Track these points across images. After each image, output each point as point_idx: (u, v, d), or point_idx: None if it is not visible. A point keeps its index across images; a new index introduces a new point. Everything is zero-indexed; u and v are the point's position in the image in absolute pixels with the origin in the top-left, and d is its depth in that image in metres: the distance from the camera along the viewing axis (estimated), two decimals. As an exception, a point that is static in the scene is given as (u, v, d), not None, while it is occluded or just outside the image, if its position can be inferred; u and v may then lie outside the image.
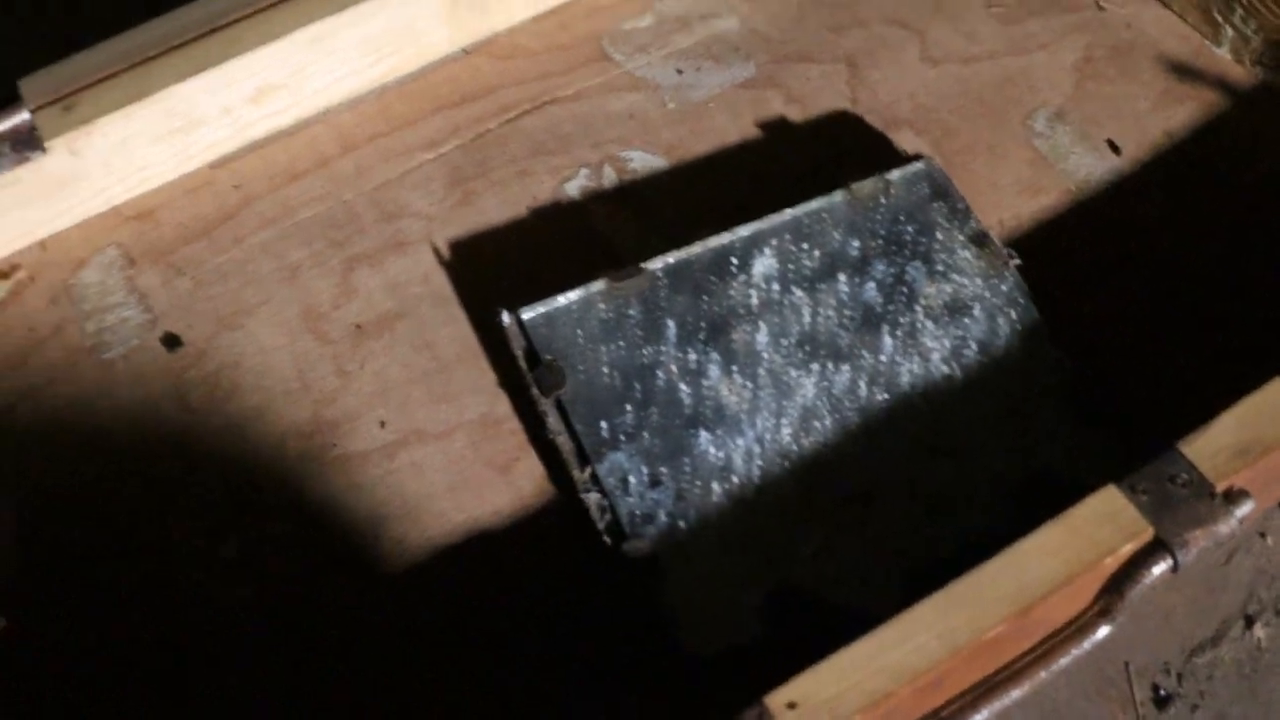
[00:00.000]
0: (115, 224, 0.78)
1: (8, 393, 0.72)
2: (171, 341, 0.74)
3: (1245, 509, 0.59)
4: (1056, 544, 0.58)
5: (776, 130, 0.79)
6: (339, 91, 0.82)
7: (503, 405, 0.70)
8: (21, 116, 0.76)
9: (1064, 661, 0.59)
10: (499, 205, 0.77)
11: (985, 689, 0.59)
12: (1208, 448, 0.60)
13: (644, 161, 0.78)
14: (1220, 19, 0.80)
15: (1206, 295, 0.72)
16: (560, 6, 0.85)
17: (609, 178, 0.78)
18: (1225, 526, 0.59)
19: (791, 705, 0.55)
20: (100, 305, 0.76)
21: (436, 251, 0.75)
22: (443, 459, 0.68)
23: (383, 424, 0.70)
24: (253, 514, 0.67)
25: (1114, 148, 0.77)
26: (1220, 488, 0.59)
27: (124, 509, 0.67)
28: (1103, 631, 0.59)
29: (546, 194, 0.77)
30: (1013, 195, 0.76)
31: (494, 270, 0.74)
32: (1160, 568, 0.58)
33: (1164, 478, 0.60)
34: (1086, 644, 0.59)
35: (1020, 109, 0.79)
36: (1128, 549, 0.58)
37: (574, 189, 0.78)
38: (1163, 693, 0.62)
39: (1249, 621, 0.64)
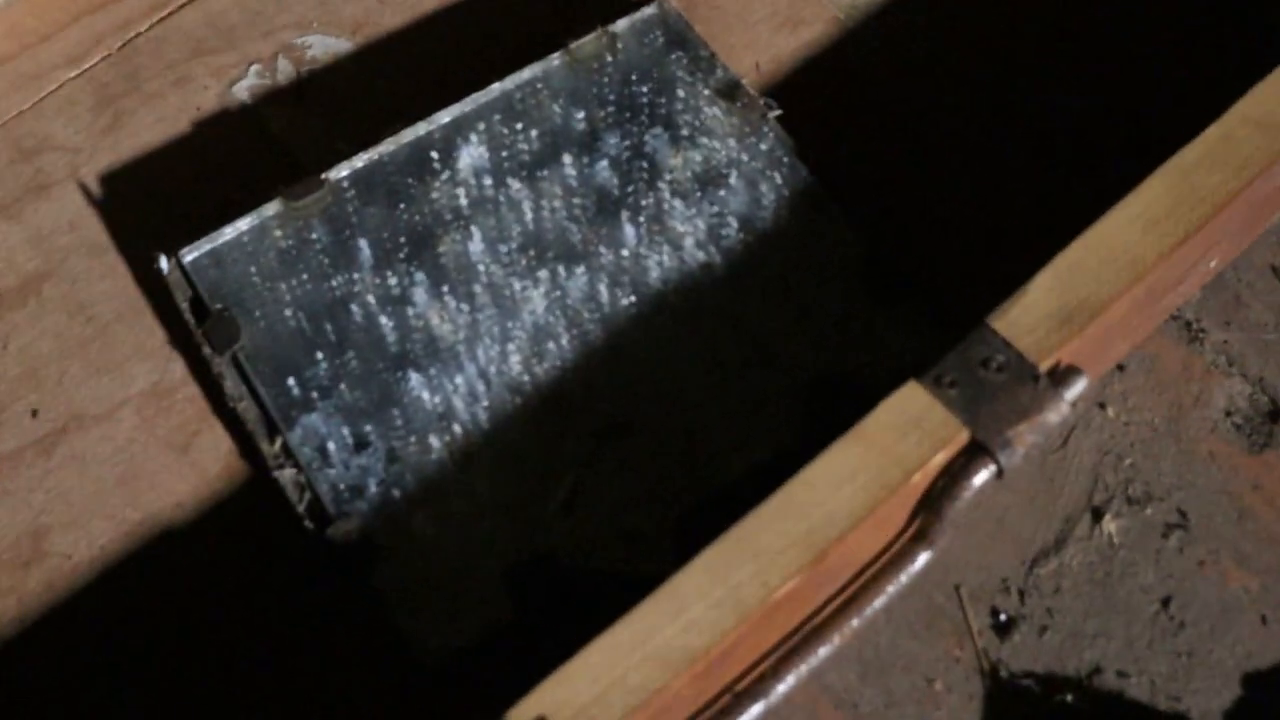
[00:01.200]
0: None
1: None
2: None
3: (1077, 388, 0.48)
4: (851, 464, 0.47)
5: (480, -18, 0.65)
6: None
7: (177, 369, 0.57)
8: None
9: (879, 602, 0.48)
10: (156, 124, 0.63)
11: (787, 652, 0.48)
12: (1024, 320, 0.49)
13: (325, 47, 0.64)
14: None
15: (1001, 133, 0.60)
16: None
17: (284, 72, 0.64)
18: (1055, 414, 0.48)
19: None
20: None
21: (85, 190, 0.61)
22: (109, 446, 0.55)
23: (34, 413, 0.56)
24: None
25: None
26: (1044, 367, 0.48)
27: None
28: (922, 559, 0.49)
29: (211, 102, 0.63)
30: (769, 31, 0.63)
31: (156, 205, 0.60)
32: (982, 476, 0.47)
33: (975, 362, 0.48)
34: (904, 577, 0.48)
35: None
36: (939, 459, 0.47)
37: (243, 91, 0.64)
38: (1003, 616, 0.52)
39: (1096, 514, 0.53)
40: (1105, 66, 0.63)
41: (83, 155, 0.63)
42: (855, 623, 0.48)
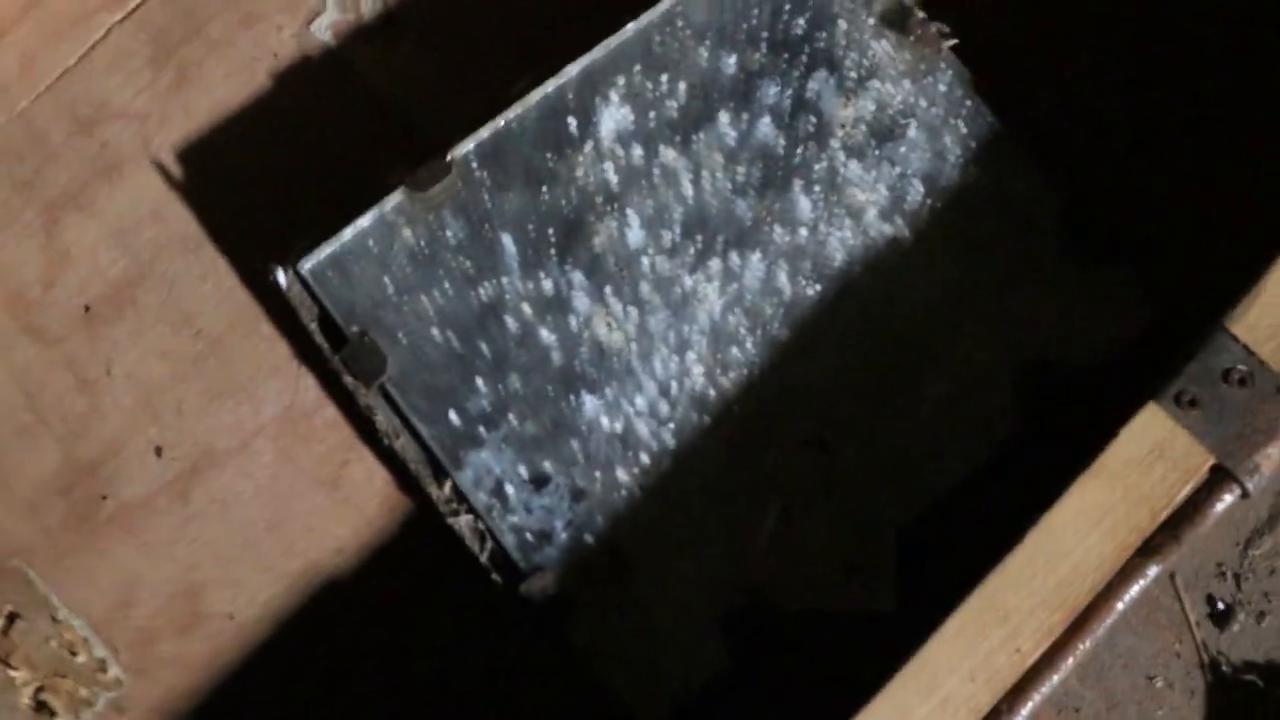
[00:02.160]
0: None
1: None
2: None
3: (1328, 394, 0.45)
4: (1097, 507, 0.44)
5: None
6: None
7: (309, 388, 0.53)
8: None
9: (1110, 621, 0.46)
10: (227, 78, 0.56)
11: (1022, 682, 0.46)
12: (1264, 322, 0.45)
13: None
14: None
15: (1200, 63, 0.54)
16: None
17: (369, 2, 0.56)
18: (1312, 431, 0.44)
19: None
20: None
21: (162, 169, 0.55)
22: (249, 485, 0.52)
23: (159, 451, 0.52)
24: (38, 633, 0.50)
25: None
26: (1291, 365, 0.44)
27: None
28: (1153, 573, 0.46)
29: (288, 46, 0.56)
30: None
31: (250, 180, 0.54)
32: (1227, 500, 0.44)
33: (1217, 375, 0.45)
34: (1135, 592, 0.46)
35: None
36: (1186, 492, 0.44)
37: (323, 30, 0.56)
38: (1221, 605, 0.50)
39: None
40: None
41: (151, 123, 0.56)
42: (1087, 644, 0.46)
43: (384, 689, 0.50)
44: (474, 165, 0.51)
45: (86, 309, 0.55)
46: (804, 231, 0.51)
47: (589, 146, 0.52)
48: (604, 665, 0.48)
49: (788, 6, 0.53)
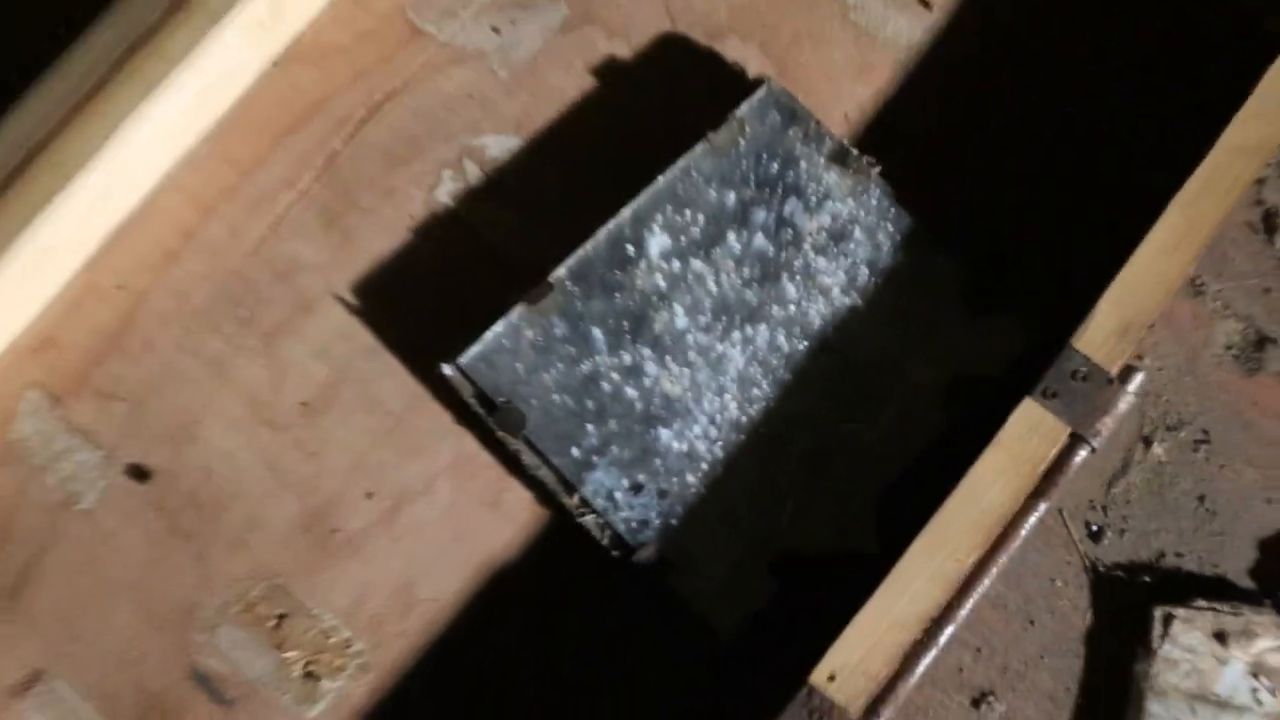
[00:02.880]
0: (18, 363, 0.82)
1: (11, 573, 0.78)
2: (138, 473, 0.80)
3: (1137, 381, 0.73)
4: (998, 467, 0.72)
5: (611, 73, 0.84)
6: (170, 154, 0.84)
7: (468, 442, 0.79)
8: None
9: (1018, 543, 0.73)
10: (380, 234, 0.83)
11: (965, 584, 0.73)
12: (1095, 337, 0.73)
13: (499, 145, 0.84)
14: None
15: (1049, 148, 0.82)
16: (348, -17, 0.87)
17: (473, 173, 0.83)
18: (1124, 404, 0.72)
19: (831, 678, 0.69)
20: (50, 454, 0.81)
21: (343, 302, 0.81)
22: (435, 512, 0.78)
23: (369, 495, 0.79)
24: (301, 627, 0.76)
25: (924, 2, 0.85)
26: (1114, 371, 0.73)
27: (157, 653, 0.76)
28: (1043, 509, 0.74)
29: (420, 208, 0.83)
30: (848, 82, 0.83)
31: (405, 304, 0.81)
32: (1081, 455, 0.72)
33: (1067, 375, 0.73)
34: (1033, 520, 0.74)
35: (828, -19, 0.86)
36: (1054, 453, 0.72)
37: (444, 195, 0.83)
38: (1094, 527, 0.78)
39: (1146, 442, 0.79)
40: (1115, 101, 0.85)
41: (329, 270, 0.83)
42: (1005, 558, 0.74)
43: (539, 642, 0.77)
44: (567, 283, 0.78)
45: (304, 405, 0.81)
46: (792, 307, 0.79)
47: (643, 263, 0.79)
48: (694, 601, 0.75)
49: (765, 155, 0.80)
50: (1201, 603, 0.76)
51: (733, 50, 0.85)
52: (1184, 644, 0.75)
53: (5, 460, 0.80)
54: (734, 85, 0.82)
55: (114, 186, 0.82)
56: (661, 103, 0.84)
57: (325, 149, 0.85)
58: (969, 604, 0.73)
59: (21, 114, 0.80)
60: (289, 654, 0.77)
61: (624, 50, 0.85)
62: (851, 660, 0.70)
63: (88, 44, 0.82)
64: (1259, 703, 0.74)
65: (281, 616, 0.78)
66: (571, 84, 0.85)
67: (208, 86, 0.83)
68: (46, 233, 0.79)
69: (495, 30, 0.86)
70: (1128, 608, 0.76)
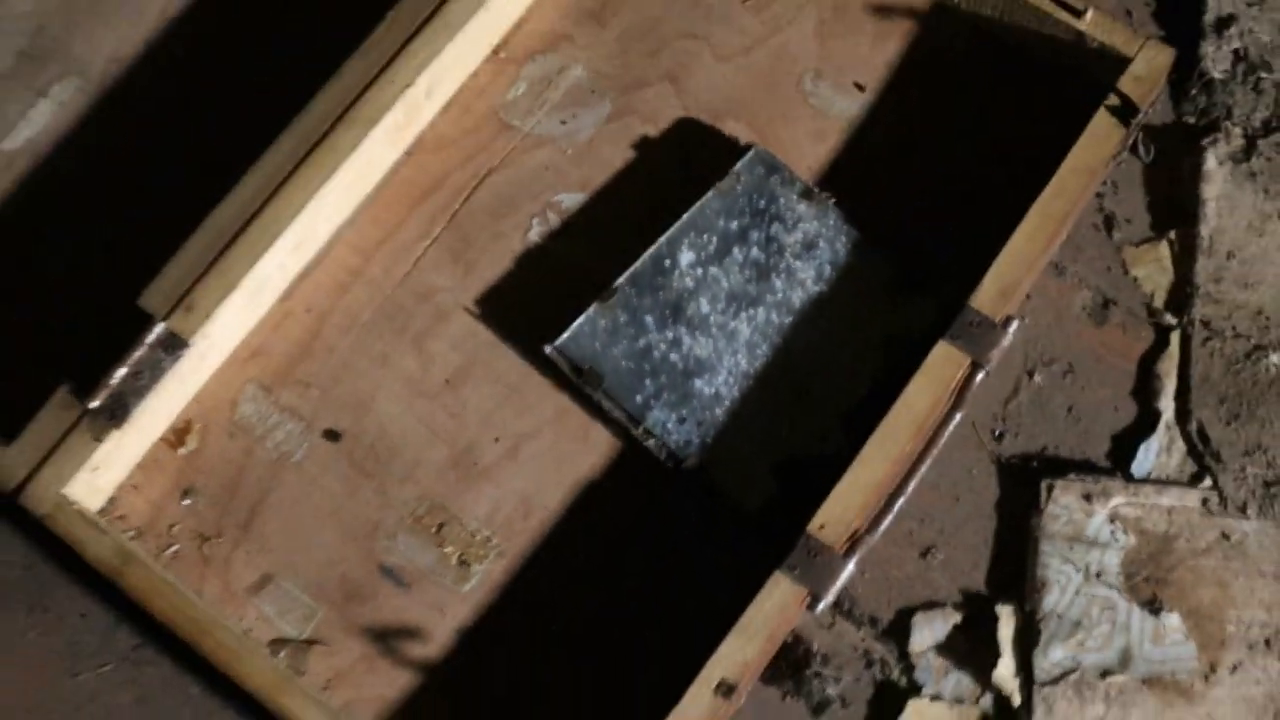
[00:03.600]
0: (240, 367, 1.20)
1: (245, 510, 1.16)
2: (332, 435, 1.18)
3: (1014, 326, 1.11)
4: (925, 388, 1.10)
5: (646, 147, 1.24)
6: (340, 217, 1.23)
7: (565, 400, 1.17)
8: (159, 329, 1.15)
9: (944, 440, 1.11)
10: (493, 264, 1.22)
11: (909, 475, 1.11)
12: (985, 298, 1.12)
13: (571, 200, 1.23)
14: (894, -32, 1.27)
15: (950, 179, 1.22)
16: (455, 96, 1.27)
17: (554, 220, 1.23)
18: (1006, 341, 1.11)
19: (821, 527, 1.07)
20: (267, 427, 1.19)
21: (469, 311, 1.20)
22: (544, 447, 1.16)
23: (497, 439, 1.17)
24: (455, 531, 1.13)
25: (859, 87, 1.25)
26: (999, 319, 1.11)
27: (353, 557, 1.13)
28: (958, 418, 1.11)
29: (519, 245, 1.22)
30: (810, 146, 1.24)
31: (515, 311, 1.20)
32: (979, 377, 1.11)
33: (966, 324, 1.11)
34: (952, 426, 1.12)
35: (792, 77, 1.26)
36: (961, 374, 1.11)
37: (536, 235, 1.23)
38: (996, 432, 1.16)
39: (1030, 374, 1.18)
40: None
41: (459, 291, 1.22)
42: (935, 452, 1.12)
43: (617, 531, 1.14)
44: (626, 287, 1.18)
45: (447, 382, 1.19)
46: (780, 295, 1.18)
47: (676, 271, 1.18)
48: (726, 490, 1.13)
49: (755, 195, 1.20)
50: (1073, 476, 1.14)
51: (730, 127, 1.25)
52: (1062, 504, 1.13)
53: (234, 433, 1.18)
54: (731, 150, 1.22)
55: (304, 241, 1.21)
56: (681, 164, 1.24)
57: (448, 210, 1.24)
58: (912, 485, 1.09)
59: (242, 189, 1.19)
60: (447, 549, 1.15)
61: (653, 131, 1.26)
62: (834, 515, 1.07)
63: (281, 144, 1.21)
64: (1115, 540, 1.12)
65: (440, 525, 1.15)
66: (618, 155, 1.25)
67: (363, 171, 1.23)
68: (259, 273, 1.18)
69: (562, 122, 1.26)
70: (1023, 484, 1.14)
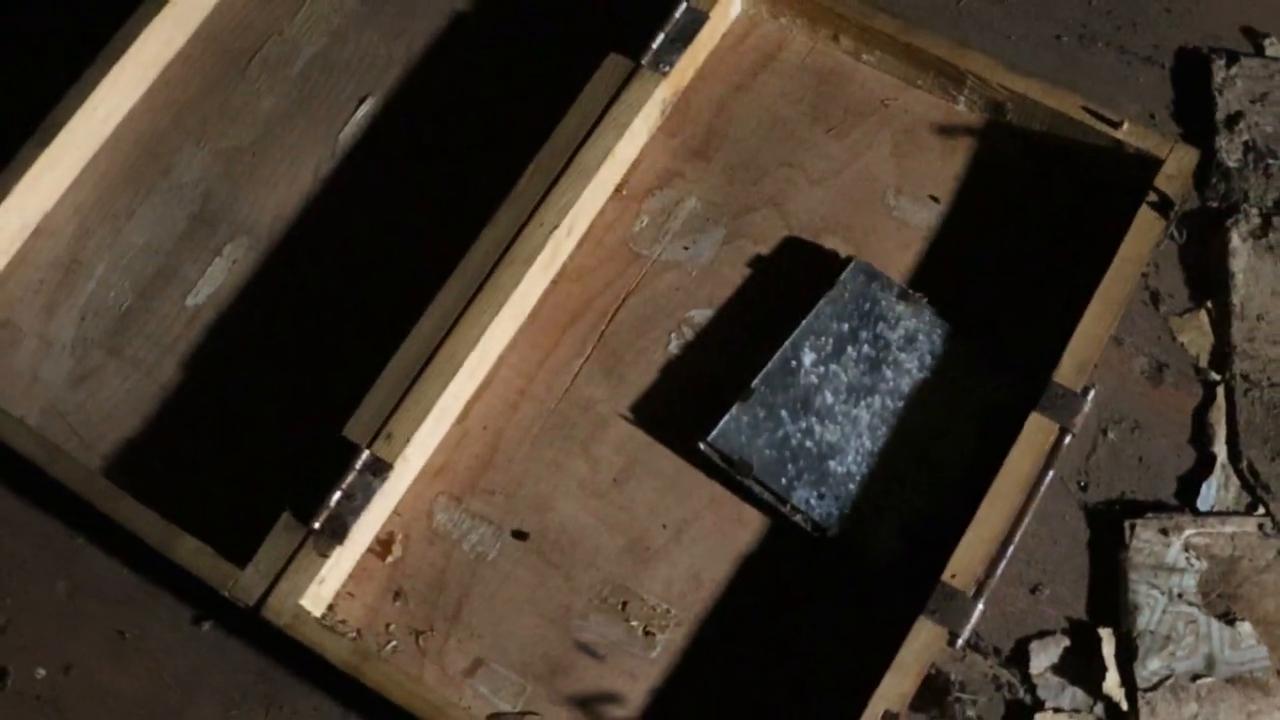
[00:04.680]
0: (431, 482, 1.46)
1: (452, 605, 1.41)
2: (520, 534, 1.44)
3: (1091, 394, 1.39)
4: (1023, 454, 1.37)
5: (759, 264, 1.51)
6: (504, 344, 1.50)
7: (717, 489, 1.44)
8: (365, 456, 1.41)
9: (1040, 495, 1.38)
10: (641, 374, 1.48)
11: (1016, 526, 1.38)
12: (1065, 372, 1.40)
13: (701, 315, 1.50)
14: (954, 91, 1.56)
15: (1018, 273, 1.50)
16: (589, 232, 1.54)
17: (688, 334, 1.50)
18: (1087, 408, 1.39)
19: (953, 576, 1.34)
20: (461, 532, 1.44)
21: (625, 418, 1.47)
22: (706, 530, 1.42)
23: (664, 526, 1.43)
24: (637, 607, 1.39)
25: (934, 199, 1.53)
26: (1079, 390, 1.39)
27: (552, 637, 1.39)
28: (1050, 474, 1.39)
29: (661, 357, 1.49)
30: (899, 254, 1.51)
31: (665, 415, 1.46)
32: (1067, 440, 1.39)
33: (1053, 396, 1.39)
34: (1047, 483, 1.39)
35: (876, 194, 1.54)
36: (1052, 440, 1.38)
37: (674, 348, 1.49)
38: (1082, 483, 1.44)
39: (1104, 432, 1.46)
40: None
41: (613, 400, 1.47)
42: (1035, 504, 1.40)
43: (775, 599, 1.41)
44: (761, 387, 1.44)
45: (615, 480, 1.46)
46: (891, 383, 1.46)
47: (802, 370, 1.45)
48: (864, 550, 1.40)
49: (861, 300, 1.48)
50: (1150, 515, 1.42)
51: (831, 242, 1.51)
52: (1143, 539, 1.40)
53: (433, 540, 1.43)
54: (833, 262, 1.49)
55: (476, 366, 1.47)
56: (789, 277, 1.51)
57: (596, 331, 1.50)
58: (1019, 534, 1.37)
59: (422, 328, 1.45)
60: (632, 623, 1.40)
61: (764, 250, 1.53)
62: (963, 565, 1.34)
63: (452, 286, 1.47)
64: (1190, 565, 1.39)
65: (624, 603, 1.41)
66: (736, 273, 1.52)
67: (520, 303, 1.49)
68: (445, 401, 1.44)
69: (685, 248, 1.53)
70: (1109, 526, 1.42)
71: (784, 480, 1.40)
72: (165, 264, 1.55)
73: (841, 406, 1.43)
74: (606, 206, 1.53)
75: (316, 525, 1.36)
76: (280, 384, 1.50)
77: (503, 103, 1.59)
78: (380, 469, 1.39)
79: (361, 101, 1.61)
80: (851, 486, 1.40)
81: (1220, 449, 1.41)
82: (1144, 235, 1.43)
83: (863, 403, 1.43)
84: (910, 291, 1.47)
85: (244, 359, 1.51)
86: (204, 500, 1.44)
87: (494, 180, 1.49)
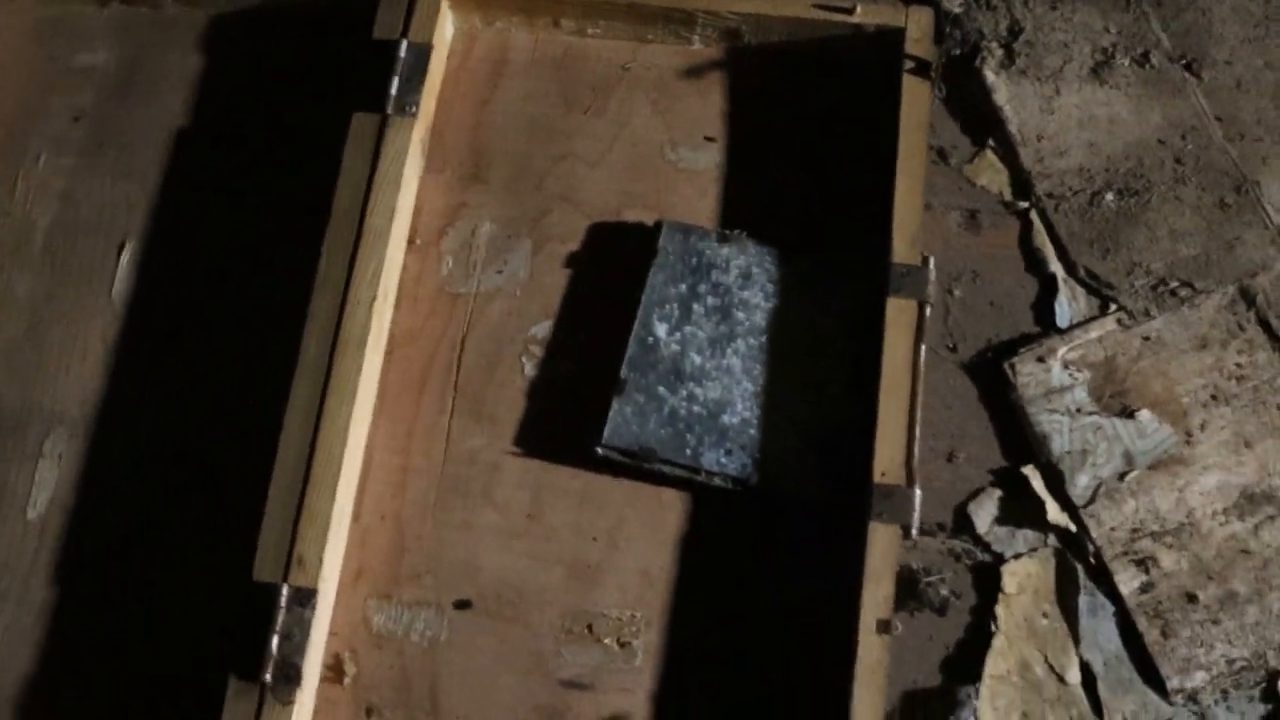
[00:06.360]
0: (354, 590, 1.43)
1: (426, 697, 1.40)
2: (462, 604, 1.43)
3: (933, 261, 1.46)
4: (896, 341, 1.43)
5: (575, 261, 1.53)
6: (365, 425, 1.47)
7: (628, 484, 1.45)
8: (286, 590, 1.38)
9: (923, 371, 1.44)
10: (509, 408, 1.49)
11: (914, 406, 1.44)
12: (901, 250, 1.46)
13: (542, 329, 1.52)
14: (687, 33, 1.59)
15: (816, 182, 1.55)
16: (400, 290, 1.52)
17: (537, 351, 1.51)
18: (933, 275, 1.45)
19: (882, 474, 1.38)
20: (404, 626, 1.43)
21: (513, 453, 1.47)
22: (635, 527, 1.44)
23: (594, 539, 1.44)
24: (603, 624, 1.40)
25: (709, 139, 1.57)
26: (919, 262, 1.45)
27: (535, 685, 1.39)
28: (924, 350, 1.45)
29: (521, 383, 1.50)
30: (699, 201, 1.55)
31: (549, 435, 1.47)
32: (928, 310, 1.45)
33: (899, 277, 1.45)
34: (923, 357, 1.45)
35: (655, 154, 1.57)
36: (915, 316, 1.44)
37: (530, 369, 1.50)
38: (950, 345, 1.50)
39: (950, 292, 1.52)
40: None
41: (496, 443, 1.48)
42: (922, 383, 1.46)
43: (733, 559, 1.43)
44: (632, 374, 1.46)
45: (528, 516, 1.46)
46: (746, 322, 1.49)
47: (660, 343, 1.47)
48: (788, 484, 1.44)
49: (686, 257, 1.50)
50: (1022, 350, 1.49)
51: (631, 215, 1.54)
52: (1026, 373, 1.48)
53: (380, 644, 1.41)
54: (644, 232, 1.52)
55: (351, 461, 1.45)
56: (609, 261, 1.53)
57: (448, 383, 1.50)
58: (919, 413, 1.43)
59: (286, 451, 1.42)
60: (605, 641, 1.40)
61: (574, 245, 1.54)
62: (887, 460, 1.38)
63: (298, 393, 1.44)
64: (1075, 379, 1.48)
65: (589, 625, 1.41)
66: (558, 276, 1.53)
67: (367, 382, 1.47)
68: (336, 504, 1.41)
69: (498, 272, 1.54)
70: (989, 374, 1.49)
71: (688, 451, 1.42)
72: (-15, 486, 1.47)
73: (710, 362, 1.46)
74: (407, 261, 1.52)
75: (268, 678, 1.33)
76: (162, 559, 1.45)
77: (263, 199, 1.56)
78: (305, 597, 1.36)
79: (120, 251, 1.55)
80: (752, 432, 1.43)
81: (1056, 267, 1.50)
82: (916, 102, 1.50)
83: (728, 350, 1.47)
84: (727, 232, 1.51)
85: (112, 550, 1.46)
86: (137, 704, 1.38)
87: (290, 278, 1.47)
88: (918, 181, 1.46)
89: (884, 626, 1.33)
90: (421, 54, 1.53)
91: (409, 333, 1.50)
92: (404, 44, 1.53)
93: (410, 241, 1.53)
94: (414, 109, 1.51)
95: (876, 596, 1.33)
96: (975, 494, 1.44)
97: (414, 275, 1.52)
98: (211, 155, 1.59)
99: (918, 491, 1.36)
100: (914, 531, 1.35)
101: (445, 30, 1.58)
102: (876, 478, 1.37)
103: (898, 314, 1.42)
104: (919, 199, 1.46)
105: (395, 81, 1.52)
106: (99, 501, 1.47)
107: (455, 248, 1.54)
